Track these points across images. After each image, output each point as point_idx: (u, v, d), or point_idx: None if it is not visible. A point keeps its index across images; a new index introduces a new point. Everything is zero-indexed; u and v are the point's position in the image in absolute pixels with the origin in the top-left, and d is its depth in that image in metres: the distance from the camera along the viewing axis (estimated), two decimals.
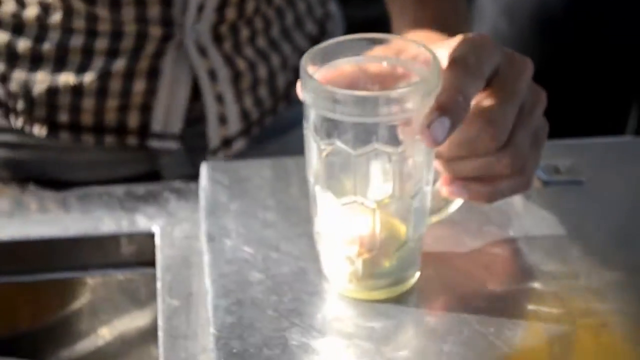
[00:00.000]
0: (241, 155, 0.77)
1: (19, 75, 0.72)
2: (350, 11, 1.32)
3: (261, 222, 0.53)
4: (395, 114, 0.43)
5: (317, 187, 0.47)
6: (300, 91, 0.45)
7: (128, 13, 0.69)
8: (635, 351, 0.45)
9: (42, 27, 0.71)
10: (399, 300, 0.48)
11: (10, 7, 0.71)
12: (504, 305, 0.47)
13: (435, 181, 0.49)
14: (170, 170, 0.76)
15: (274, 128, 0.81)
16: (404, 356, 0.44)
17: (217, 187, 0.56)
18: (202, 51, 0.72)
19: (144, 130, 0.74)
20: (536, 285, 0.49)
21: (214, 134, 0.75)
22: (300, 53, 0.79)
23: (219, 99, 0.74)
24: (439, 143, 0.44)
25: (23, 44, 0.71)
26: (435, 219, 0.50)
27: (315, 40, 0.81)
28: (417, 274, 0.49)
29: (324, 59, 0.47)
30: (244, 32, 0.74)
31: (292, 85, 0.79)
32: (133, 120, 0.73)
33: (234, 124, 0.76)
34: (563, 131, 0.67)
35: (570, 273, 0.50)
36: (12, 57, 0.72)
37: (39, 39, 0.71)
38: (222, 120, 0.75)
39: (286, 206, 0.55)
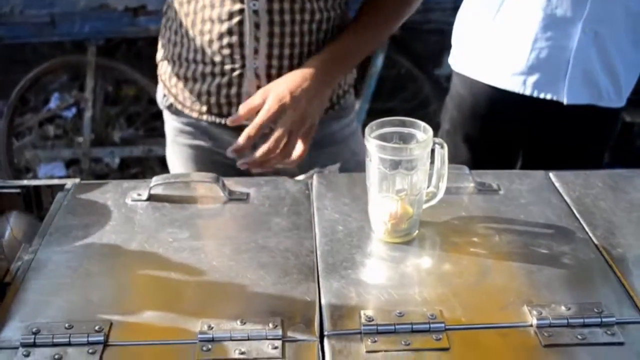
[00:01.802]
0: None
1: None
2: (374, 104, 1.97)
3: (350, 202, 1.07)
4: (410, 156, 0.96)
5: (371, 188, 1.00)
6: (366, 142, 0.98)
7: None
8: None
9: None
10: (408, 243, 1.00)
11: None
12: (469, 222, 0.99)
13: (429, 185, 1.01)
14: None
15: (327, 140, 1.37)
16: (409, 268, 0.96)
17: (323, 189, 1.11)
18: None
19: None
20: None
21: None
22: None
23: None
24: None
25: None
26: (426, 205, 1.03)
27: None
28: (417, 231, 1.02)
29: (375, 127, 1.00)
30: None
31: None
32: None
33: None
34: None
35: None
36: None
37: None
38: None
39: (360, 198, 1.07)
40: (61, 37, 3.05)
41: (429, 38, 3.24)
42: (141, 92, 3.33)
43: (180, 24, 1.33)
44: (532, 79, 1.61)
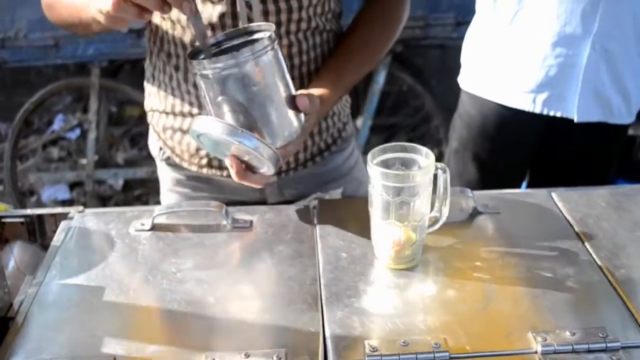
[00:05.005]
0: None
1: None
2: (377, 121, 1.95)
3: (353, 228, 1.07)
4: (412, 182, 0.96)
5: (374, 215, 1.00)
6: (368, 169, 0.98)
7: None
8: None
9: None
10: (412, 269, 1.00)
11: None
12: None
13: (431, 210, 1.01)
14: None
15: (334, 174, 1.33)
16: (413, 296, 0.96)
17: (326, 215, 1.11)
18: None
19: None
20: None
21: None
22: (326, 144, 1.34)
23: None
24: None
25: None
26: (429, 230, 1.02)
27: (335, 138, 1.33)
28: (420, 257, 1.02)
29: (377, 154, 1.00)
30: None
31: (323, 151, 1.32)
32: None
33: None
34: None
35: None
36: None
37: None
38: None
39: (363, 224, 1.07)
40: (65, 60, 3.07)
41: (430, 53, 3.25)
42: (145, 113, 3.35)
43: (171, 77, 1.25)
44: (542, 96, 1.62)
